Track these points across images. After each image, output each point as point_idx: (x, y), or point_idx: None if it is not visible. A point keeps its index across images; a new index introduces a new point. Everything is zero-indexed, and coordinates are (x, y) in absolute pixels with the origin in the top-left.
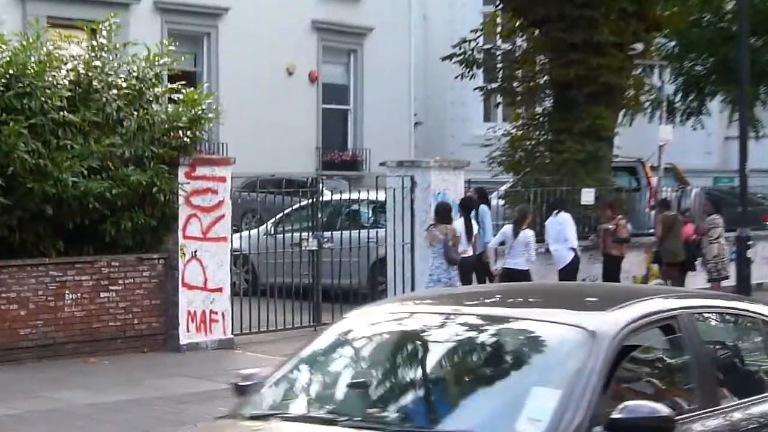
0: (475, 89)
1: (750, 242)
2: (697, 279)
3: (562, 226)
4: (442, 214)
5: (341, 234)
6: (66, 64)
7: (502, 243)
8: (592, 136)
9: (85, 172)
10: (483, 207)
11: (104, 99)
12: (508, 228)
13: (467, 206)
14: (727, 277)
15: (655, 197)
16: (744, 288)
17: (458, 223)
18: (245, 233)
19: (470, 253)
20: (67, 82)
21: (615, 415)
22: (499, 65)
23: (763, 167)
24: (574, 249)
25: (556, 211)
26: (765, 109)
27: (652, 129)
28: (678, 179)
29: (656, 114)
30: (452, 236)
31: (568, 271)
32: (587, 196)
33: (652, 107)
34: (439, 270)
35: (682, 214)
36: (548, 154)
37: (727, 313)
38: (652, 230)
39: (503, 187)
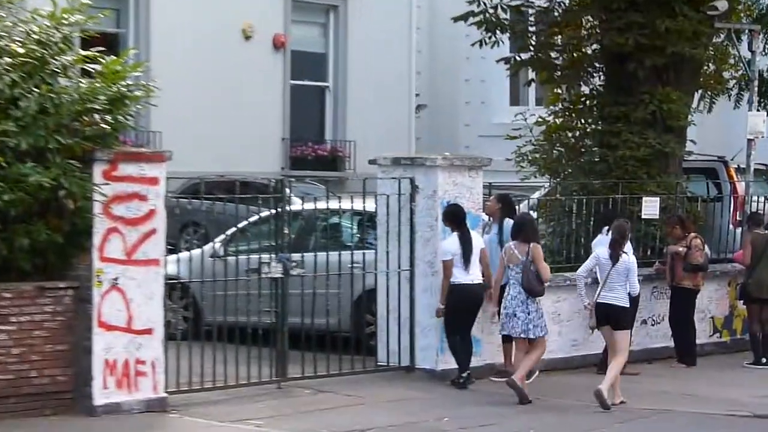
0: (499, 61)
1: None
2: None
3: None
4: (525, 229)
5: (315, 257)
6: None
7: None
8: (658, 126)
9: None
10: (507, 222)
11: None
12: (602, 251)
13: (455, 217)
14: None
15: (743, 210)
16: None
17: (450, 242)
18: (184, 254)
19: (470, 280)
20: None
21: None
22: (532, 29)
23: None
24: None
25: (607, 228)
26: None
27: (739, 117)
28: None
29: (744, 96)
30: (537, 259)
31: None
32: (650, 207)
33: (739, 87)
34: (515, 302)
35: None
36: (597, 149)
37: None
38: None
39: (536, 195)
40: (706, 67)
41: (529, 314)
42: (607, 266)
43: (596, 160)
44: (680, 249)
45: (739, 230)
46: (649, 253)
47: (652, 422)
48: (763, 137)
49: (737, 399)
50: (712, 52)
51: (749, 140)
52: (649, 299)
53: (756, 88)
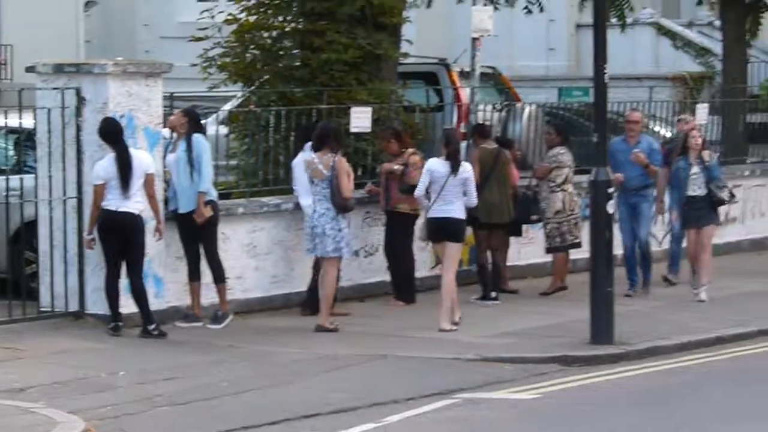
0: None
1: (612, 190)
2: (530, 248)
3: None
4: (330, 140)
5: None
6: None
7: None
8: (368, 24)
9: None
10: (197, 138)
11: None
12: (436, 162)
13: (108, 134)
14: (577, 245)
15: (468, 121)
16: (602, 262)
17: (103, 164)
18: None
19: (116, 206)
20: None
21: None
22: None
23: (636, 71)
24: None
25: (310, 144)
26: None
27: (462, 13)
28: (502, 92)
29: None
30: (340, 173)
31: None
32: (360, 118)
33: None
34: (323, 219)
35: (510, 146)
36: (298, 52)
37: None
38: None
39: (227, 106)
40: None
41: (340, 231)
42: (442, 178)
43: (297, 64)
44: (396, 167)
45: (463, 144)
46: (360, 172)
47: (363, 370)
48: (489, 35)
49: (463, 340)
50: None
51: (474, 39)
52: (360, 227)
53: None
